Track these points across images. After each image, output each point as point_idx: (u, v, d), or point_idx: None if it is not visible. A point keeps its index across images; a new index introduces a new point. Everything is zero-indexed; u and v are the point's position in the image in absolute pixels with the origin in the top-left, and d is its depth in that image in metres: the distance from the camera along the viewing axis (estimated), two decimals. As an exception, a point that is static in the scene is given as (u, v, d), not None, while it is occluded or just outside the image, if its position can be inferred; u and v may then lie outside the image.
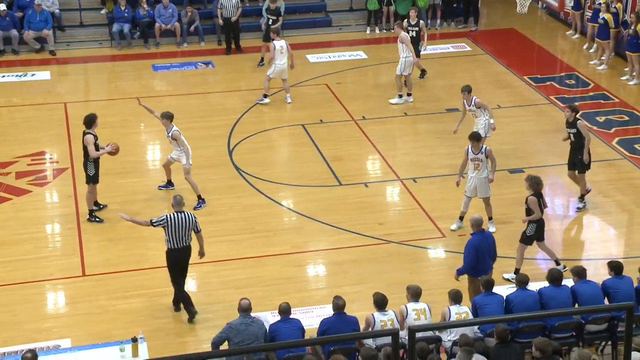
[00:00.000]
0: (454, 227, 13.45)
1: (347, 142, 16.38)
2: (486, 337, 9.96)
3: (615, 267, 10.62)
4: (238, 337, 9.69)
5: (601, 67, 19.73)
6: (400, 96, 17.65)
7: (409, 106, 17.84)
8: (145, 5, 21.14)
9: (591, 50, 20.49)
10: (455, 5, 22.79)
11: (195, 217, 11.38)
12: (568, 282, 10.71)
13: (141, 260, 12.84)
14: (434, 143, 16.16)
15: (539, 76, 19.46)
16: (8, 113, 17.66)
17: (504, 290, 11.23)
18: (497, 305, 10.24)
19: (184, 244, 11.28)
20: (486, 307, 10.20)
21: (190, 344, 10.96)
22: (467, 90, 14.95)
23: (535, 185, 11.92)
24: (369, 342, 9.80)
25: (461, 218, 13.50)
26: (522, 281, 10.45)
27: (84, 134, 13.64)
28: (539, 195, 11.94)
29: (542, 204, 11.95)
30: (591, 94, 18.57)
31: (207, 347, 10.25)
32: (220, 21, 21.04)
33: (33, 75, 19.50)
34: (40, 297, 12.06)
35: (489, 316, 10.03)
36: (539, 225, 12.02)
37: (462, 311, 10.05)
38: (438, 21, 22.70)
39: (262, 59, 19.23)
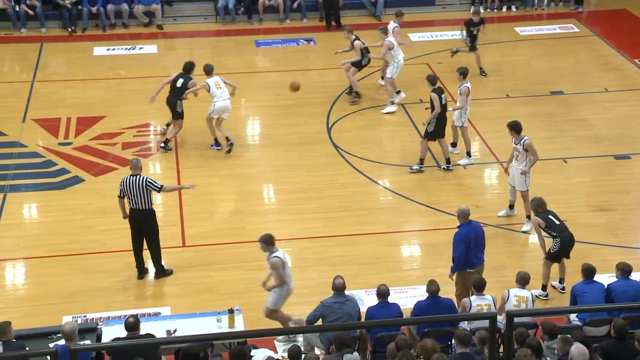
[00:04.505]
0: (501, 213, 13.18)
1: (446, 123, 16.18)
2: (585, 325, 9.74)
3: None
4: (333, 315, 9.75)
5: None
6: (392, 102, 16.76)
7: (509, 88, 17.44)
8: (249, -18, 21.35)
9: None
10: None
11: (149, 181, 11.49)
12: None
13: (239, 233, 13.08)
14: (535, 127, 15.79)
15: (650, 59, 18.78)
16: (116, 85, 18.19)
17: (604, 279, 10.93)
18: (597, 294, 9.99)
19: (139, 207, 11.58)
20: (586, 295, 9.97)
21: (284, 317, 11.10)
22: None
23: (433, 79, 14.14)
24: (464, 325, 9.73)
25: (510, 207, 13.16)
26: (624, 270, 10.14)
27: (188, 78, 14.98)
28: (439, 91, 13.88)
29: (441, 100, 13.69)
30: None
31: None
32: (320, -3, 21.08)
33: (141, 48, 20.00)
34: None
35: (589, 305, 9.79)
36: (439, 120, 13.89)
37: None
38: (545, 1, 22.10)
39: None
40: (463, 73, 14.48)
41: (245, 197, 14.12)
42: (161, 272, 12.05)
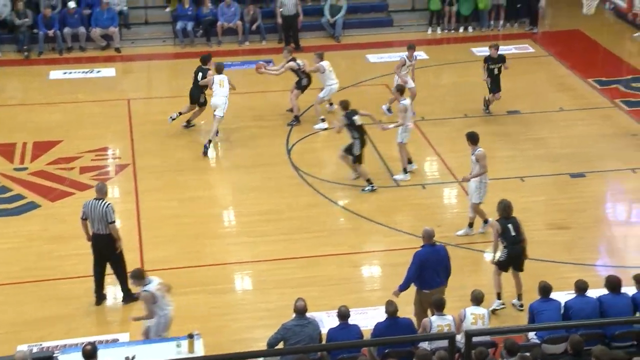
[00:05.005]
0: (460, 233, 13.32)
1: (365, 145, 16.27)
2: (543, 343, 9.83)
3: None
4: (294, 338, 9.71)
5: (669, 70, 19.30)
6: (324, 120, 17.01)
7: (467, 108, 17.60)
8: (208, 4, 21.39)
9: (658, 53, 20.06)
10: (519, 6, 22.46)
11: (109, 210, 11.40)
12: (628, 289, 10.48)
13: (199, 257, 13.01)
14: (494, 146, 15.96)
15: (604, 79, 19.08)
16: (74, 109, 18.03)
17: (562, 296, 11.05)
18: (554, 312, 10.09)
19: (100, 231, 11.51)
20: (544, 314, 10.06)
21: (245, 342, 11.03)
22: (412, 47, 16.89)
23: (344, 104, 14.41)
24: (424, 345, 9.75)
25: (470, 225, 13.31)
26: (581, 287, 10.26)
27: (206, 70, 16.36)
28: (350, 115, 14.19)
29: (354, 122, 14.12)
30: (658, 97, 18.17)
31: (262, 346, 10.30)
32: (280, 20, 21.20)
33: (99, 72, 19.87)
34: (101, 291, 12.27)
35: (547, 322, 9.88)
36: (362, 143, 14.19)
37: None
38: (501, 22, 22.44)
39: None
40: (399, 90, 14.84)
41: (206, 220, 14.05)
42: (129, 297, 11.92)
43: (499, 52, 16.80)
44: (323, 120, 16.97)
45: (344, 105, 14.59)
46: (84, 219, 11.61)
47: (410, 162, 15.16)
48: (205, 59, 16.75)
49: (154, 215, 14.02)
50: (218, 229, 13.86)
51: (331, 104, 17.51)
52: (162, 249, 13.12)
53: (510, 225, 11.43)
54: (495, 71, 16.73)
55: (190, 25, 21.22)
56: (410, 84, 16.92)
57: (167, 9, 22.06)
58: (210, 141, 15.91)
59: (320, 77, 16.97)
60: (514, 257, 11.46)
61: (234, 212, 14.45)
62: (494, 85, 16.88)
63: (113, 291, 12.30)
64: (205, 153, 15.84)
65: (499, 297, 11.61)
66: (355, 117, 14.40)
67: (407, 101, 14.77)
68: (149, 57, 20.88)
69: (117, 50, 21.00)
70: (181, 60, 20.70)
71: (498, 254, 11.53)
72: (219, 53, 20.96)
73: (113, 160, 15.91)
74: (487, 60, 16.77)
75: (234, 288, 12.50)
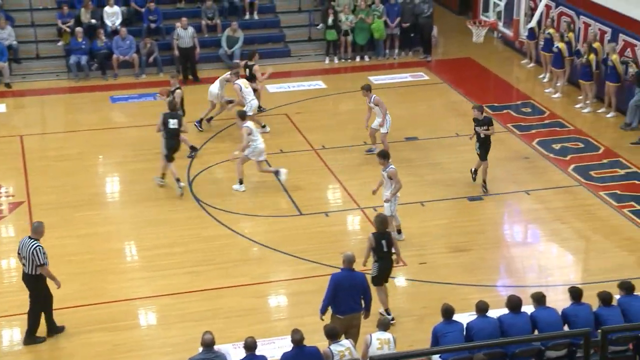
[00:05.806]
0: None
1: (307, 171, 16.41)
2: (448, 365, 9.98)
3: (574, 294, 10.71)
4: (200, 372, 9.59)
5: (556, 95, 20.07)
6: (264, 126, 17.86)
7: (366, 135, 17.85)
8: (102, 37, 21.07)
9: (545, 80, 20.85)
10: (412, 35, 23.04)
11: (37, 251, 11.20)
12: (528, 308, 10.78)
13: (100, 294, 12.69)
14: (394, 172, 16.22)
15: (495, 104, 19.71)
16: (-37, 146, 17.42)
17: (464, 317, 11.26)
18: (458, 334, 10.26)
19: (25, 269, 11.40)
20: (447, 336, 10.21)
21: (150, 378, 10.82)
22: (366, 88, 16.50)
23: (171, 105, 15.53)
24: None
25: (398, 231, 13.85)
26: (482, 308, 10.48)
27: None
28: (174, 116, 15.26)
29: (167, 123, 15.08)
30: (547, 121, 18.86)
31: (167, 382, 10.14)
32: (176, 52, 21.10)
33: (-12, 108, 19.30)
34: (-4, 334, 11.83)
35: (450, 344, 10.04)
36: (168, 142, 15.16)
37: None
38: (396, 51, 22.95)
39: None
40: (240, 116, 15.72)
41: (106, 256, 13.73)
42: (30, 339, 11.56)
43: (485, 115, 15.71)
44: (264, 126, 17.68)
45: (172, 106, 15.58)
46: (19, 253, 11.44)
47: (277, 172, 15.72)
48: (249, 55, 18.86)
49: (51, 253, 13.39)
50: (119, 264, 13.56)
51: (264, 126, 17.89)
52: (62, 288, 12.69)
53: (384, 241, 11.72)
54: (482, 135, 15.37)
55: (84, 59, 20.84)
56: (384, 130, 16.54)
57: (60, 43, 21.61)
58: (201, 120, 17.98)
59: (239, 95, 17.38)
60: (385, 270, 11.83)
61: (135, 246, 14.17)
62: (482, 150, 15.44)
63: (9, 333, 11.85)
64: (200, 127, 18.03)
65: (387, 313, 11.83)
66: (170, 120, 15.31)
67: (248, 124, 15.49)
68: (41, 92, 20.38)
69: (8, 85, 20.42)
70: (76, 95, 20.29)
71: (372, 269, 11.81)
72: (115, 86, 20.68)
73: (6, 199, 15.40)
74: (474, 121, 15.51)
75: (138, 324, 12.22)
